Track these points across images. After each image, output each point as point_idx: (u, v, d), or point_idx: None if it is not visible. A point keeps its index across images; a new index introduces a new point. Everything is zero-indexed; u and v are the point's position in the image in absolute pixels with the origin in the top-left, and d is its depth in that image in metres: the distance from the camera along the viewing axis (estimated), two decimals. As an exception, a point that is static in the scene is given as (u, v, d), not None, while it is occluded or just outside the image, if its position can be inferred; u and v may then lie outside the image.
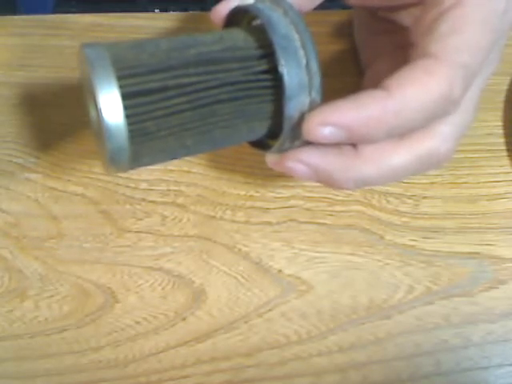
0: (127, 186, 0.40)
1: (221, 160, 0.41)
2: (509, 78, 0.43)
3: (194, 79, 0.26)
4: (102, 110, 0.24)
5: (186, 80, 0.26)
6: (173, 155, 0.28)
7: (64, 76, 0.42)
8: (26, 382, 0.37)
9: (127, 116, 0.24)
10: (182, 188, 0.40)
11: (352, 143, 0.28)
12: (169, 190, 0.40)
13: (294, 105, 0.27)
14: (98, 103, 0.24)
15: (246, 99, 0.27)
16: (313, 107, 0.27)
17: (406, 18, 0.36)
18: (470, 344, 0.39)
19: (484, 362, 0.39)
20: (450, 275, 0.40)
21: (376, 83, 0.27)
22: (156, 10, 0.57)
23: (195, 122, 0.26)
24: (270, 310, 0.39)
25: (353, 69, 0.42)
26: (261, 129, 0.29)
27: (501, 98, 0.43)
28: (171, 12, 0.44)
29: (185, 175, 0.40)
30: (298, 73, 0.26)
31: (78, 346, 0.37)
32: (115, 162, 0.25)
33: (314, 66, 0.26)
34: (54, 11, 0.57)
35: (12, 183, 0.39)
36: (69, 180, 0.40)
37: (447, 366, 0.39)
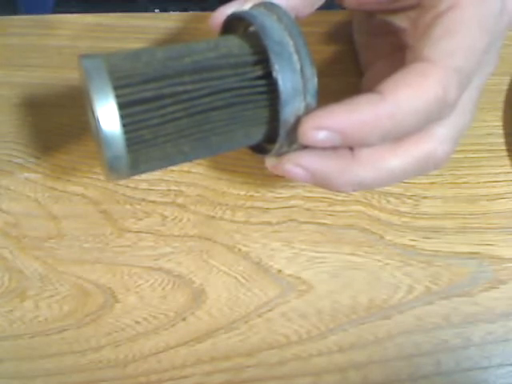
0: (127, 186, 0.40)
1: (221, 160, 0.41)
2: (509, 78, 0.43)
3: (189, 87, 0.26)
4: (100, 120, 0.24)
5: (181, 88, 0.26)
6: (171, 162, 0.28)
7: (64, 76, 0.42)
8: (26, 382, 0.37)
9: (124, 125, 0.25)
10: (182, 188, 0.40)
11: (349, 146, 0.28)
12: (169, 190, 0.40)
13: (289, 109, 0.27)
14: (95, 113, 0.24)
15: (241, 105, 0.27)
16: (308, 111, 0.27)
17: (403, 20, 0.36)
18: (470, 344, 0.39)
19: (484, 362, 0.39)
20: (449, 275, 0.40)
21: (375, 84, 0.27)
22: (156, 10, 0.57)
23: (191, 128, 0.26)
24: (269, 310, 0.39)
25: (352, 69, 0.42)
26: (257, 134, 0.29)
27: (501, 98, 0.43)
28: (171, 12, 0.44)
29: (185, 175, 0.40)
30: (292, 78, 0.26)
31: (78, 345, 0.38)
32: (115, 170, 0.26)
33: (309, 71, 0.26)
34: (54, 11, 0.57)
35: (12, 183, 0.40)
36: (69, 180, 0.40)
37: (447, 366, 0.39)
